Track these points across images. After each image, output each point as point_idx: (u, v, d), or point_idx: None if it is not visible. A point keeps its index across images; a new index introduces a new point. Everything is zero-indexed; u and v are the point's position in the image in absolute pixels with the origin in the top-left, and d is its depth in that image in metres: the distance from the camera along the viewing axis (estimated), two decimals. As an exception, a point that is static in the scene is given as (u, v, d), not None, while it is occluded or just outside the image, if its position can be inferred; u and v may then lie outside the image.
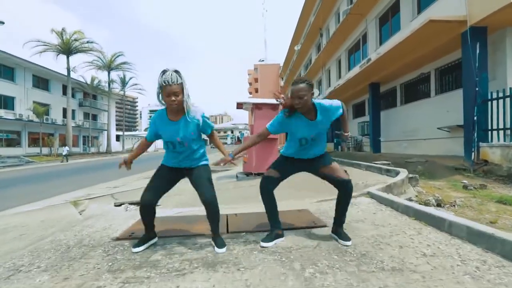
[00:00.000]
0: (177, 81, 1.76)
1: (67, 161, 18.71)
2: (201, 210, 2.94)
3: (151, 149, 43.99)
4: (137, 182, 7.94)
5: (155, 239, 2.09)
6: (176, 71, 1.79)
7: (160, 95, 1.83)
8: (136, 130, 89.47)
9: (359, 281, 1.46)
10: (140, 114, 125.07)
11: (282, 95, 2.03)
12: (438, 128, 7.89)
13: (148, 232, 2.04)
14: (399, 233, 2.18)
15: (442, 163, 6.73)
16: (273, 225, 2.12)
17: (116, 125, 41.29)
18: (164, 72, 1.78)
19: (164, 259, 1.79)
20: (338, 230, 2.11)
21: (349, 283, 1.43)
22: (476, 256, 1.72)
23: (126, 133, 40.52)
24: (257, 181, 5.97)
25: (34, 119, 24.01)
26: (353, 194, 3.44)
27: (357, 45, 13.75)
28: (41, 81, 26.95)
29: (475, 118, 5.83)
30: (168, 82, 1.75)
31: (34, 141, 25.73)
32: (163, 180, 2.02)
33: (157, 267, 1.67)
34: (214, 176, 7.79)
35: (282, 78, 41.46)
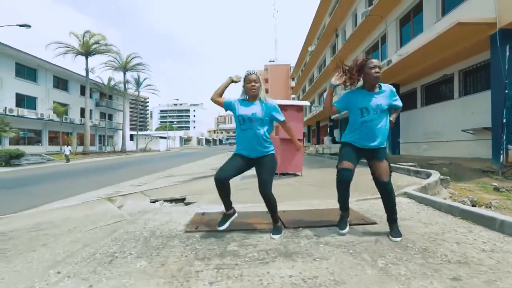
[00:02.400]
0: (257, 73, 2.29)
1: (68, 161, 18.23)
2: (260, 206, 3.13)
3: (162, 148, 44.39)
4: (159, 181, 8.21)
5: (236, 215, 2.37)
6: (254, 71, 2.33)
7: (242, 89, 2.35)
8: (147, 130, 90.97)
9: (432, 271, 1.59)
10: (151, 114, 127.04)
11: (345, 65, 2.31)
12: (463, 130, 7.84)
13: (228, 209, 2.31)
14: (451, 231, 2.29)
15: (468, 166, 6.71)
16: (344, 209, 2.36)
17: (130, 124, 42.21)
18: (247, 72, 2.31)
19: (241, 249, 1.97)
20: (391, 226, 2.23)
21: (423, 273, 1.57)
22: (536, 253, 1.82)
23: (139, 132, 41.33)
24: (284, 181, 6.19)
25: (54, 119, 24.87)
26: (398, 191, 3.56)
27: (375, 46, 13.72)
28: (61, 81, 27.87)
29: (504, 120, 5.81)
30: (250, 72, 2.28)
31: (52, 139, 26.63)
32: (234, 164, 2.29)
33: (238, 256, 1.85)
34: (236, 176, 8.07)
35: (293, 79, 41.44)
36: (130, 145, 37.96)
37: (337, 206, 3.19)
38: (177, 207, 3.75)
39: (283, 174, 6.81)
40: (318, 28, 23.91)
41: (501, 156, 5.83)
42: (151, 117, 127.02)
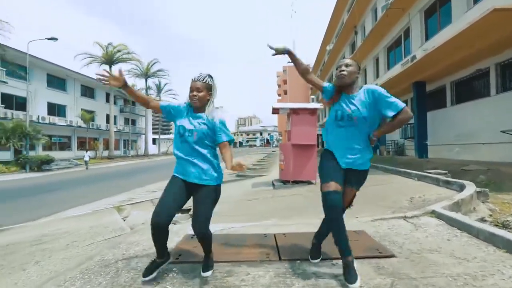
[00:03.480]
0: (203, 80, 1.80)
1: (87, 168, 17.90)
2: (246, 227, 2.76)
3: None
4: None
5: (169, 261, 1.90)
6: (209, 75, 1.85)
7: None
8: (170, 134, 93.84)
9: None
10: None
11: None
12: (502, 131, 6.90)
13: (161, 256, 1.82)
14: (494, 273, 1.77)
15: (510, 172, 5.84)
16: (347, 252, 1.73)
17: (153, 129, 43.61)
18: (199, 74, 1.84)
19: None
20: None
21: None
22: None
23: (161, 136, 42.56)
24: (297, 189, 5.75)
25: (82, 125, 26.22)
26: (415, 213, 3.03)
27: (398, 42, 12.78)
28: (88, 90, 29.38)
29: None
30: (194, 78, 1.81)
31: (81, 144, 28.08)
32: (177, 189, 1.78)
33: (212, 305, 1.50)
34: (249, 182, 7.73)
35: (312, 79, 40.44)
36: (152, 149, 39.17)
37: (352, 226, 2.72)
38: (172, 225, 3.47)
39: (296, 182, 6.36)
40: (336, 26, 23.01)
41: (553, 162, 4.95)
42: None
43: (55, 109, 25.17)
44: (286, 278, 1.77)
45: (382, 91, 1.75)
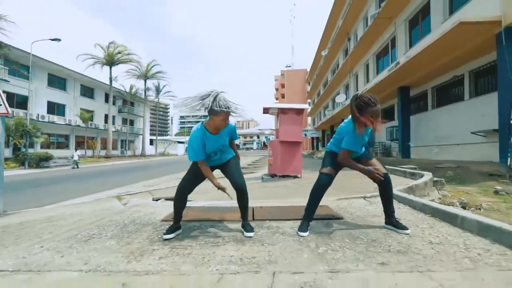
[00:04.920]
0: (230, 107, 2.01)
1: (77, 167, 16.73)
2: (228, 203, 3.32)
3: (180, 152, 45.51)
4: (169, 182, 8.64)
5: (180, 230, 2.25)
6: (226, 100, 2.02)
7: (207, 110, 2.02)
8: (167, 135, 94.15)
9: (365, 257, 1.70)
10: (171, 119, 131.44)
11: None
12: (472, 133, 7.55)
13: (176, 222, 2.21)
14: (411, 226, 2.34)
15: (476, 169, 6.45)
16: (308, 217, 2.29)
17: (150, 130, 44.04)
18: (217, 95, 1.98)
19: (201, 235, 2.17)
20: (392, 221, 2.29)
21: (356, 258, 1.69)
22: (482, 246, 1.86)
23: (158, 137, 43.03)
24: (282, 182, 6.32)
25: (81, 124, 26.63)
26: (374, 194, 3.61)
27: (386, 49, 13.50)
28: (87, 90, 29.88)
29: (511, 122, 5.57)
30: (223, 107, 1.95)
31: (79, 144, 28.46)
32: (197, 174, 2.25)
33: (196, 239, 2.06)
34: (240, 177, 8.28)
35: (309, 83, 41.30)
36: (150, 149, 39.57)
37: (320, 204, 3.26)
38: (166, 201, 4.03)
39: (283, 176, 6.93)
40: (331, 32, 23.83)
41: (508, 159, 5.57)
42: (172, 122, 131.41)
43: (55, 108, 25.61)
44: (255, 229, 2.33)
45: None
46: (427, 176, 4.42)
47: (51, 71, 24.77)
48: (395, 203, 3.31)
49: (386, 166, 6.77)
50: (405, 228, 2.19)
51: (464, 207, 3.69)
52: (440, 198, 3.99)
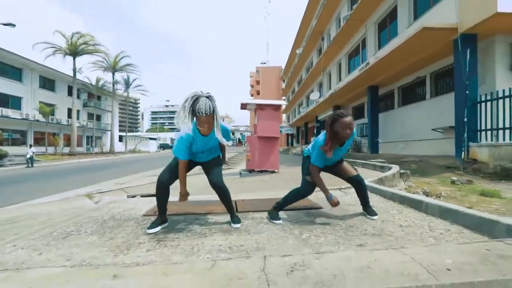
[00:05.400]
0: (210, 111, 1.91)
1: (31, 166, 14.99)
2: (213, 196, 3.33)
3: (153, 149, 43.73)
4: (143, 179, 8.35)
5: (166, 224, 2.23)
6: (209, 97, 1.93)
7: (189, 115, 1.92)
8: (138, 131, 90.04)
9: (345, 240, 1.84)
10: (142, 115, 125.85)
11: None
12: (433, 129, 8.26)
13: (161, 215, 2.18)
14: (383, 213, 2.56)
15: (435, 162, 7.10)
16: (280, 208, 2.46)
17: (120, 125, 41.82)
18: (197, 98, 1.91)
19: (187, 228, 2.18)
20: (367, 208, 2.52)
21: (337, 241, 1.82)
22: (443, 226, 2.10)
23: (129, 134, 41.02)
24: (260, 177, 6.42)
25: (40, 119, 24.50)
26: (348, 185, 3.83)
27: (357, 50, 14.17)
28: (48, 81, 27.51)
29: (465, 119, 6.21)
30: (202, 113, 1.88)
31: (38, 140, 26.20)
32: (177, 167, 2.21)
33: (183, 232, 2.06)
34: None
35: (284, 81, 41.96)
36: (119, 146, 37.61)
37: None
38: (145, 198, 3.93)
39: (261, 171, 7.04)
40: (306, 30, 24.38)
41: (463, 153, 6.22)
42: (142, 118, 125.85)
43: (9, 101, 23.27)
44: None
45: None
46: (395, 168, 4.80)
47: (3, 59, 22.40)
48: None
49: (358, 161, 7.18)
50: (374, 214, 2.42)
51: (426, 195, 4.08)
52: (406, 188, 4.36)
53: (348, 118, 2.11)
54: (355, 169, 2.60)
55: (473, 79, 6.29)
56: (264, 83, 51.12)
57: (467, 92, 6.23)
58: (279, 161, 7.26)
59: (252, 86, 59.42)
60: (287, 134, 39.35)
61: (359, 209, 2.74)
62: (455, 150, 6.58)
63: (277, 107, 7.12)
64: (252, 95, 58.19)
